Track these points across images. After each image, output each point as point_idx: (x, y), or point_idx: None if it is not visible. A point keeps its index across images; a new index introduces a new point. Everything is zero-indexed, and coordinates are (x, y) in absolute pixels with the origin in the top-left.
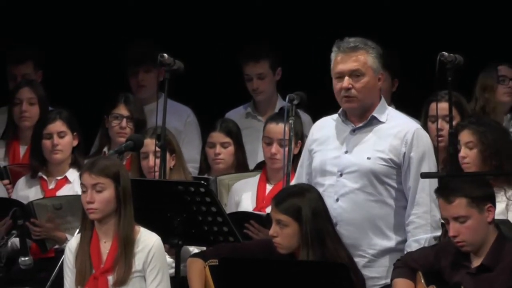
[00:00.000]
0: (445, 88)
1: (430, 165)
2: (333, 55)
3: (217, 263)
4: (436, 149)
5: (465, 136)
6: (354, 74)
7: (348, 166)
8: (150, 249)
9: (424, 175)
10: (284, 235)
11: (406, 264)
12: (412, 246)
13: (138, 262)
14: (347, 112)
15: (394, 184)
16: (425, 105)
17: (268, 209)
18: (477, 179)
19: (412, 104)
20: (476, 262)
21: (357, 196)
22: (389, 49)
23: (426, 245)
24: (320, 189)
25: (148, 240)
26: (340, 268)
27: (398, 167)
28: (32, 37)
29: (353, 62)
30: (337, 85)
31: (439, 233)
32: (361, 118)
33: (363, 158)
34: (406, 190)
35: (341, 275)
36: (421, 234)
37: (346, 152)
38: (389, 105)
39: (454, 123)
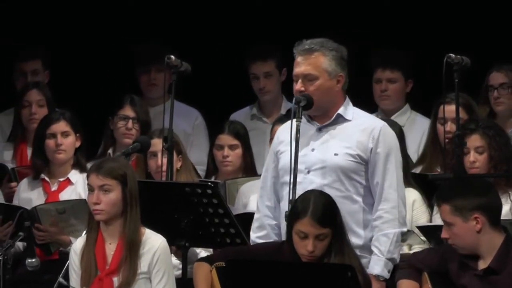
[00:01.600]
0: (454, 90)
1: (396, 161)
2: (294, 56)
3: (224, 265)
4: (444, 151)
5: (475, 141)
6: (307, 78)
7: (316, 163)
8: (155, 251)
9: (432, 177)
10: (321, 246)
11: (411, 265)
12: (381, 240)
13: (143, 264)
14: (309, 113)
15: (362, 181)
16: (434, 107)
17: None
18: (472, 188)
19: (427, 105)
20: (483, 265)
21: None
22: (401, 50)
23: (395, 239)
24: (286, 188)
25: (153, 242)
26: (347, 269)
27: (365, 163)
28: (38, 38)
29: (306, 65)
30: (294, 87)
31: (405, 228)
32: (325, 118)
33: (331, 155)
34: (373, 186)
35: (347, 276)
36: (390, 229)
37: (312, 150)
38: (403, 105)
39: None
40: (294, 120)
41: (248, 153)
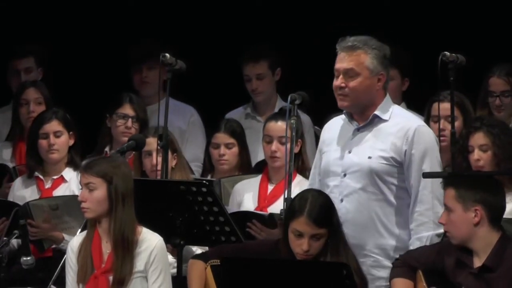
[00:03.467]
0: (449, 88)
1: (432, 162)
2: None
3: (219, 263)
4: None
5: (479, 139)
6: (348, 73)
7: (351, 166)
8: (152, 250)
9: (426, 175)
10: (317, 246)
11: (406, 263)
12: (415, 244)
13: (139, 263)
14: (347, 110)
15: (397, 183)
16: (427, 105)
17: (270, 209)
18: (481, 182)
19: (423, 103)
20: (478, 262)
21: (360, 196)
22: (399, 48)
23: (428, 242)
24: (327, 190)
25: (150, 241)
26: (342, 267)
27: (399, 165)
28: (34, 36)
29: (349, 61)
30: (334, 82)
31: (442, 230)
32: (363, 117)
33: (365, 158)
34: (409, 187)
35: (343, 274)
36: (423, 232)
37: (349, 152)
38: (399, 103)
39: (456, 123)
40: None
41: (245, 151)
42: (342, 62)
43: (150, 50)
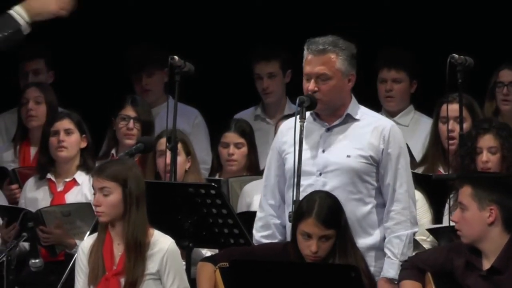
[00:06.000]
0: (457, 90)
1: (406, 161)
2: (304, 54)
3: (228, 266)
4: (447, 151)
5: (488, 141)
6: (321, 77)
7: (328, 165)
8: (164, 253)
9: (436, 177)
10: (325, 247)
11: (414, 265)
12: (393, 242)
13: (152, 265)
14: (318, 111)
15: (373, 182)
16: (436, 107)
17: None
18: (500, 183)
19: (430, 105)
20: (487, 264)
21: (338, 195)
22: (406, 50)
23: (407, 241)
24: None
25: (162, 244)
26: (350, 270)
27: (376, 164)
28: (40, 38)
29: (321, 65)
30: (305, 85)
31: (417, 228)
32: (333, 117)
33: (343, 156)
34: (384, 186)
35: (351, 277)
36: (402, 231)
37: (323, 151)
38: (407, 106)
39: (465, 125)
40: (298, 121)
41: (253, 152)
42: (314, 66)
43: (145, 56)
